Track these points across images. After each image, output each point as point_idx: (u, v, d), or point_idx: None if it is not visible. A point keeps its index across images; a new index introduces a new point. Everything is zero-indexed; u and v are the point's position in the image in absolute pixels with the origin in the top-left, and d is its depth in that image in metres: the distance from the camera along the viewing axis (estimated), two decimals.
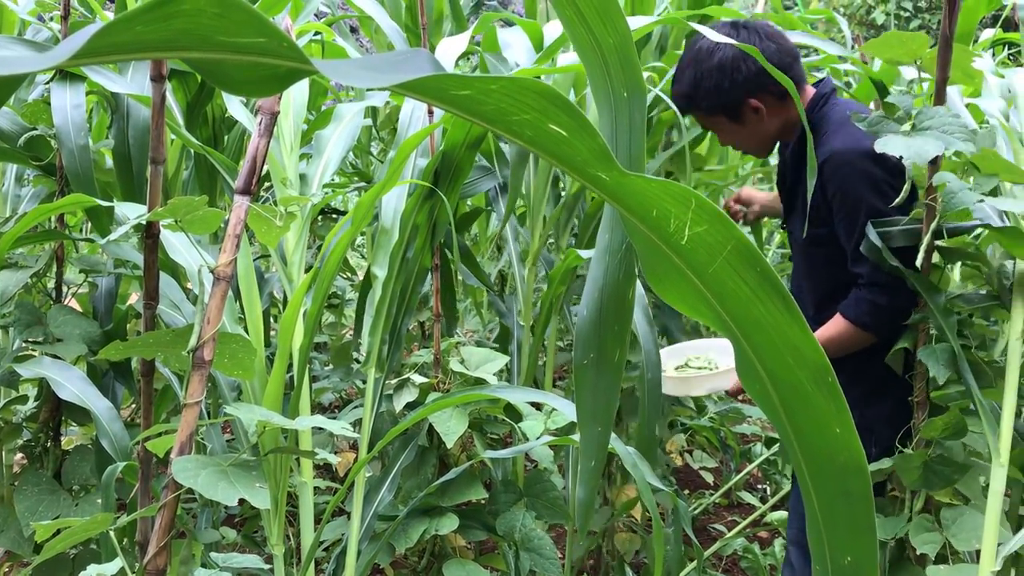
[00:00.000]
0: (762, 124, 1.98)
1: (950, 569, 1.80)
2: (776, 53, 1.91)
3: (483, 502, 2.02)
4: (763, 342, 0.71)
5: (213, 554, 1.25)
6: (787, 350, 0.70)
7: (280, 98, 1.18)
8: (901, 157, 1.72)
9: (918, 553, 1.87)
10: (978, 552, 1.84)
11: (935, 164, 1.65)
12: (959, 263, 2.00)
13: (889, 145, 1.63)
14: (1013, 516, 2.21)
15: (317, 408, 3.89)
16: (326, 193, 1.94)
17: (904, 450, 1.93)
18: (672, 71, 2.10)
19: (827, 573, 0.76)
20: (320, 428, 1.27)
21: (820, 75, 2.21)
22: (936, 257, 1.82)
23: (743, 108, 1.95)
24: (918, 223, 1.74)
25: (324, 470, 3.41)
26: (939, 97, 1.63)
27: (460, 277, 3.12)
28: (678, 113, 2.07)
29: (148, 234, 1.27)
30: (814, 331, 1.79)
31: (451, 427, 1.71)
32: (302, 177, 1.89)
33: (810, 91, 2.01)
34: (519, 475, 2.43)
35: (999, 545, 1.74)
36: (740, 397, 4.13)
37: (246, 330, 1.67)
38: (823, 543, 0.75)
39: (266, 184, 2.91)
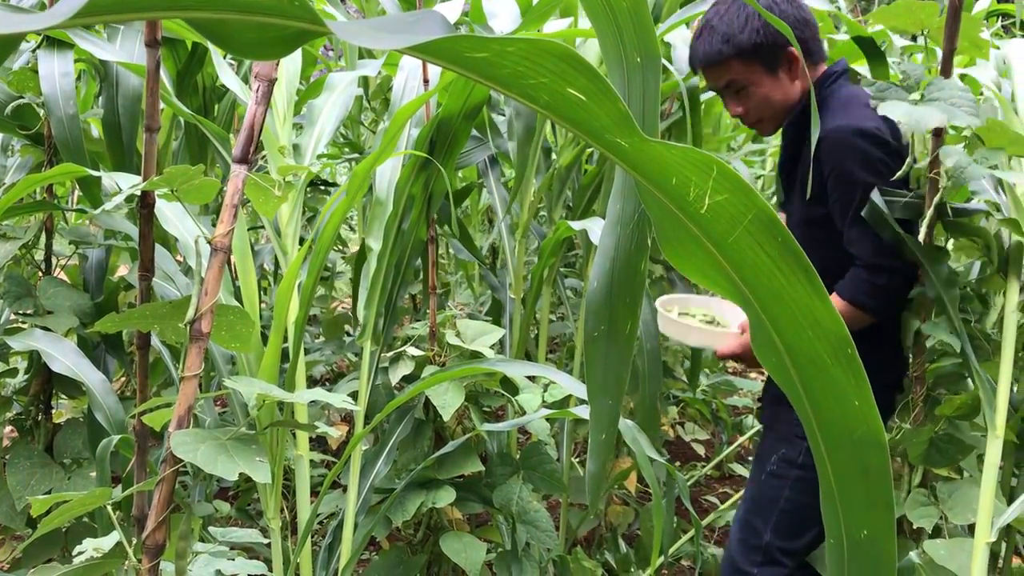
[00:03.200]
0: (788, 84, 1.91)
1: (947, 543, 1.81)
2: (795, 20, 1.87)
3: (479, 475, 2.01)
4: (782, 313, 0.69)
5: (212, 528, 1.23)
6: (807, 322, 0.69)
7: (277, 65, 1.15)
8: (896, 125, 1.72)
9: (915, 527, 1.88)
10: (972, 526, 1.85)
11: (939, 137, 1.64)
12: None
13: (889, 110, 1.60)
14: (1005, 487, 2.22)
15: (309, 381, 3.88)
16: (320, 163, 1.91)
17: (903, 425, 1.94)
18: (696, 29, 1.97)
19: (842, 548, 0.75)
20: (313, 401, 1.26)
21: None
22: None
23: (782, 55, 1.88)
24: (921, 197, 1.74)
25: (316, 443, 3.41)
26: (946, 68, 1.61)
27: (452, 251, 3.10)
28: (696, 78, 2.02)
29: (143, 204, 1.24)
30: None
31: (448, 400, 1.69)
32: (295, 147, 1.86)
33: (823, 68, 1.96)
34: (513, 447, 2.42)
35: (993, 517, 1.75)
36: (730, 368, 4.14)
37: (240, 302, 1.64)
38: (839, 518, 0.74)
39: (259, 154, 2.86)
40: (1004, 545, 2.42)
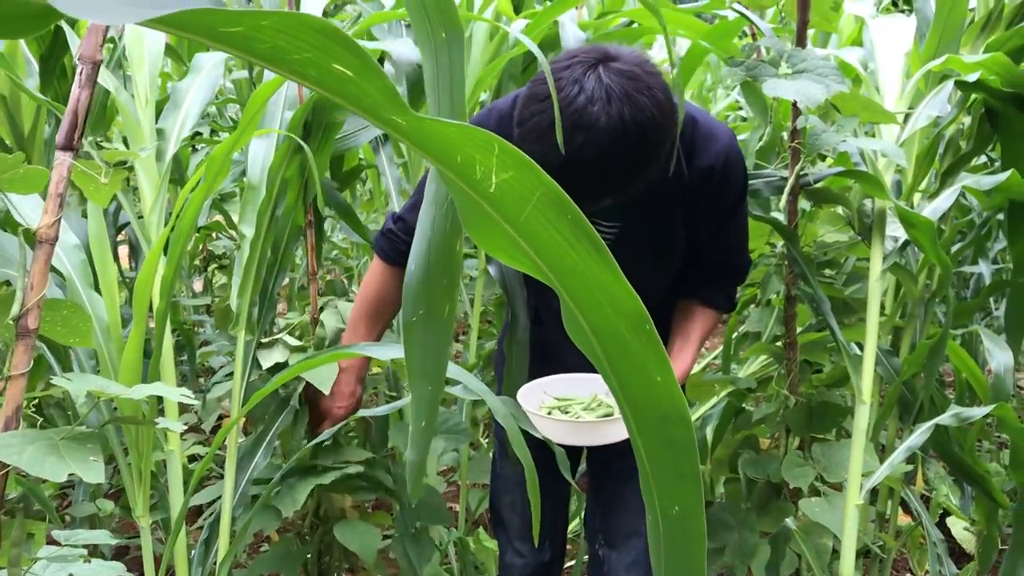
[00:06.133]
0: None
1: (822, 500, 1.86)
2: (669, 90, 1.44)
3: (372, 460, 1.99)
4: (580, 291, 0.68)
5: (56, 531, 1.18)
6: (604, 298, 0.68)
7: (102, 46, 1.09)
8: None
9: (791, 488, 1.92)
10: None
11: (796, 108, 1.67)
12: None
13: (778, 89, 1.61)
14: (890, 451, 2.29)
15: (208, 373, 3.78)
16: (183, 147, 1.84)
17: (783, 391, 1.98)
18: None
19: (658, 524, 0.75)
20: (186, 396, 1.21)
21: None
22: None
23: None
24: (783, 177, 1.77)
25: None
26: (800, 39, 1.64)
27: (345, 236, 3.04)
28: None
29: None
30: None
31: (323, 375, 1.64)
32: (159, 132, 1.79)
33: None
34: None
35: (864, 477, 1.79)
36: None
37: (99, 294, 1.58)
38: (653, 494, 0.74)
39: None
40: (890, 503, 2.51)
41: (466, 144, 0.62)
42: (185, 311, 3.92)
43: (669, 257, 1.67)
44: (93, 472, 1.00)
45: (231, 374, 1.83)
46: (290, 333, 1.84)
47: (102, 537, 1.17)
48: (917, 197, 2.16)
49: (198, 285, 4.25)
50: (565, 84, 1.35)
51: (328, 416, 1.78)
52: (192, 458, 2.67)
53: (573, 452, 1.93)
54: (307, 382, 1.73)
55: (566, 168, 1.27)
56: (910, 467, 2.19)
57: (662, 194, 1.59)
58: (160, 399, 1.72)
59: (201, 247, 4.04)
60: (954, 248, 2.53)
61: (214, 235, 3.93)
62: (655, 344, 0.68)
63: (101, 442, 1.69)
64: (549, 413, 1.65)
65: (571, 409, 1.64)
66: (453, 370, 1.46)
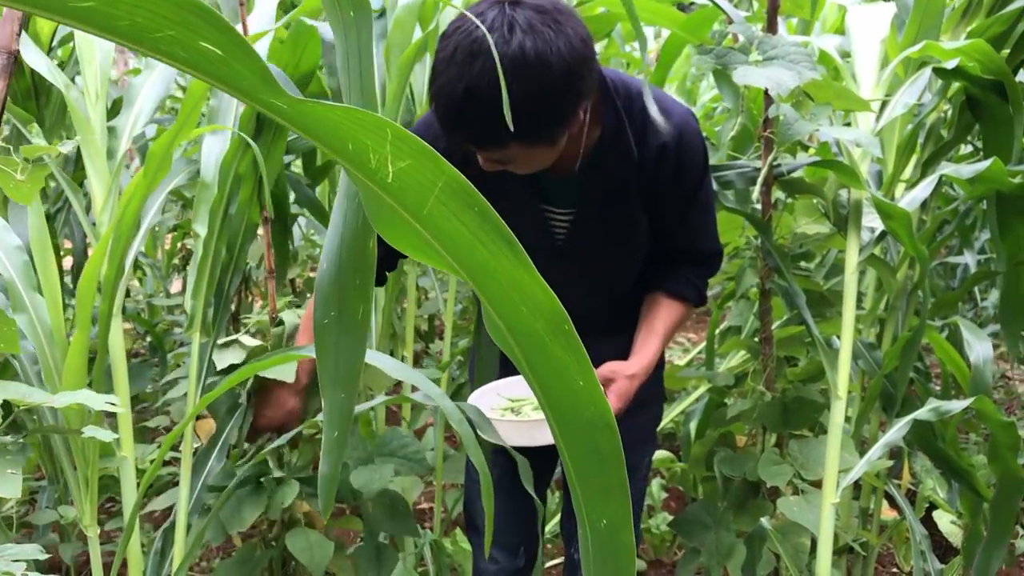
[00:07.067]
0: (580, 136, 1.48)
1: (799, 499, 1.82)
2: (575, 61, 1.30)
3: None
4: (494, 289, 0.63)
5: None
6: (519, 297, 0.63)
7: (19, 35, 1.04)
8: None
9: (769, 487, 1.87)
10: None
11: (768, 97, 1.61)
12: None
13: (748, 77, 1.56)
14: (873, 445, 2.24)
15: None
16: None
17: (759, 387, 1.93)
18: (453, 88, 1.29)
19: (587, 537, 0.70)
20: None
21: None
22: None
23: (572, 120, 1.38)
24: (756, 168, 1.71)
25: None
26: (771, 25, 1.59)
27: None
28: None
29: None
30: (612, 349, 1.58)
31: (285, 372, 1.59)
32: (111, 130, 1.73)
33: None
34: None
35: (841, 473, 1.75)
36: None
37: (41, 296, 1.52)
38: (580, 506, 0.69)
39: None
40: (873, 499, 2.46)
41: (355, 130, 0.57)
42: (162, 311, 3.87)
43: (629, 246, 1.61)
44: (10, 485, 0.95)
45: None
46: (251, 333, 1.78)
47: (33, 552, 1.11)
48: (900, 188, 2.11)
49: (177, 285, 4.19)
50: (468, 21, 1.29)
51: (258, 427, 1.73)
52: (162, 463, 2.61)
53: (548, 456, 1.89)
54: (255, 389, 1.70)
55: (466, 100, 1.26)
56: (890, 463, 2.14)
57: (615, 178, 1.54)
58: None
59: (179, 246, 3.99)
60: (938, 238, 2.48)
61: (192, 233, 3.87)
62: (575, 346, 0.63)
63: (56, 451, 1.64)
64: (503, 415, 1.60)
65: (522, 410, 1.59)
66: (410, 374, 1.41)
